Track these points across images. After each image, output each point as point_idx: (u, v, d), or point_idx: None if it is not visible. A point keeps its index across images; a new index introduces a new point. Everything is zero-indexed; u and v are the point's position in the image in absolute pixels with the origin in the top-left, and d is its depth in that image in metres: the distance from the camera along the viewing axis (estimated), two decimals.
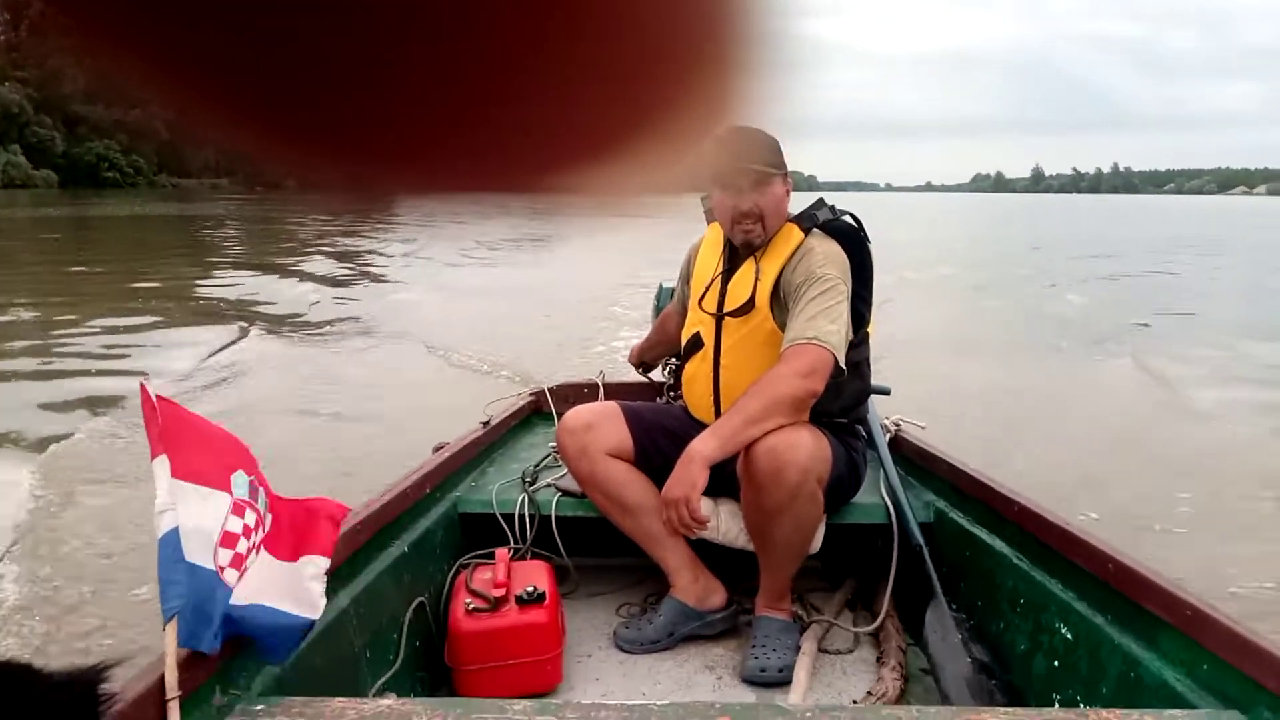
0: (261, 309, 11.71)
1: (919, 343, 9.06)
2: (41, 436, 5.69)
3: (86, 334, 9.66)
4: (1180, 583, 1.80)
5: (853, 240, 2.45)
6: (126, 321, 10.37)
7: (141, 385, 1.72)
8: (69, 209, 43.42)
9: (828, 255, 2.36)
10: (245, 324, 10.23)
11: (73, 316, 10.72)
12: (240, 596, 1.71)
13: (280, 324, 10.45)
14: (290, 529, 1.85)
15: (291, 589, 1.79)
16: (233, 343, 9.04)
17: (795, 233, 2.43)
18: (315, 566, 1.86)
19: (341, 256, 19.67)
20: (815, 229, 2.44)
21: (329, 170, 0.26)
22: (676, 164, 0.27)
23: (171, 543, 1.61)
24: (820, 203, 2.52)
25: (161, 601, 1.58)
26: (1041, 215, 71.31)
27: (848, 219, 2.48)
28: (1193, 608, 1.67)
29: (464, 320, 10.60)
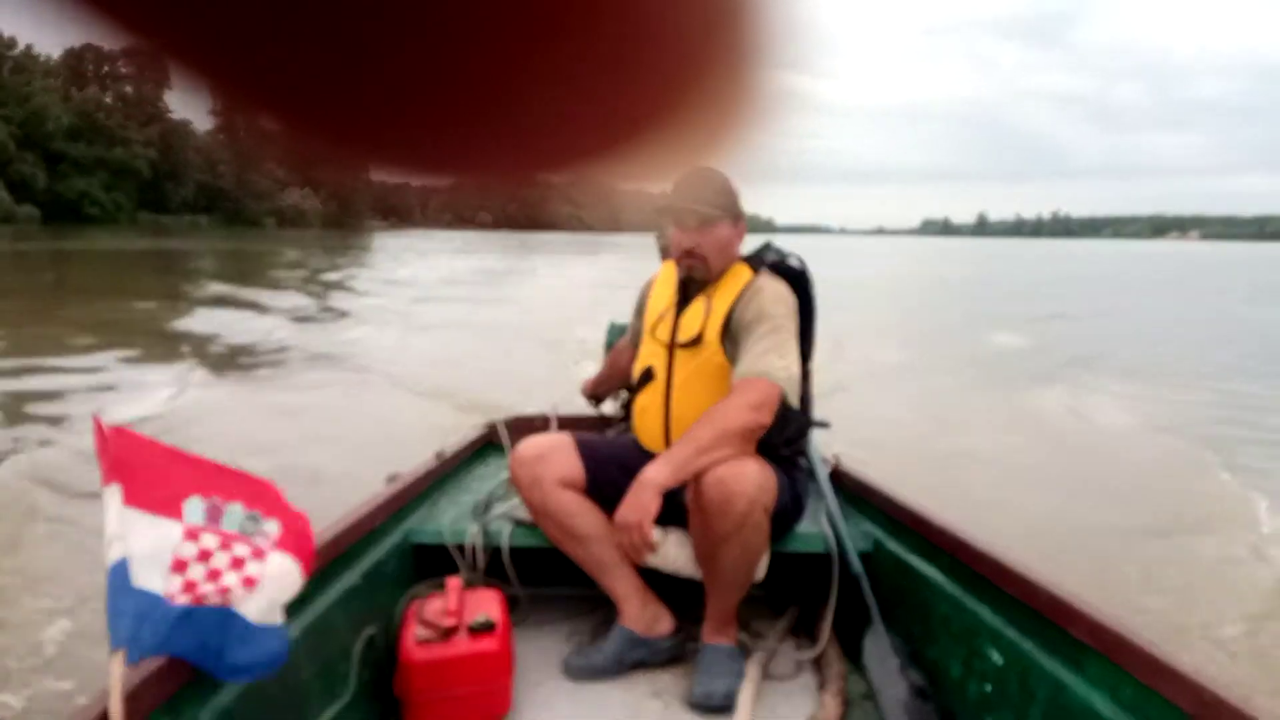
0: (225, 341, 11.57)
1: (864, 379, 9.17)
2: None
3: (58, 364, 9.50)
4: (1104, 610, 1.83)
5: (799, 281, 2.52)
6: (93, 353, 10.17)
7: (94, 417, 1.70)
8: (49, 243, 42.83)
9: (777, 295, 2.42)
10: (207, 356, 10.09)
11: (45, 346, 10.53)
12: (252, 614, 1.67)
13: (241, 357, 10.32)
14: (291, 532, 1.81)
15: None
16: (191, 373, 8.93)
17: (745, 272, 2.50)
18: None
19: (310, 291, 19.48)
20: (764, 269, 2.50)
21: (346, 157, 0.26)
22: (673, 167, 0.27)
23: (120, 573, 1.58)
24: (768, 245, 2.59)
25: (109, 631, 1.55)
26: (982, 258, 72.69)
27: (794, 261, 2.53)
28: (1116, 634, 1.70)
29: (421, 354, 10.54)
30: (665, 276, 2.68)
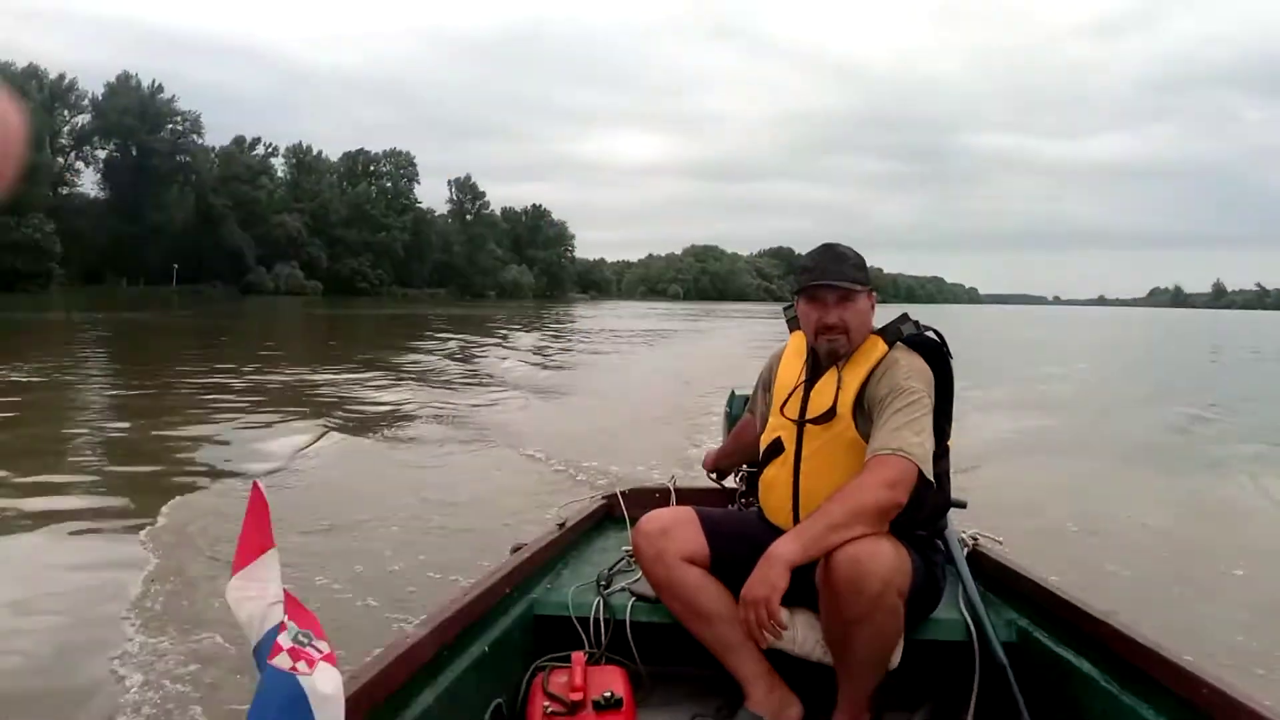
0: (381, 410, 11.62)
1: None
2: None
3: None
4: (1277, 708, 1.52)
5: (936, 354, 2.23)
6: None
7: (255, 483, 1.59)
8: (328, 310, 51.92)
9: (912, 368, 2.15)
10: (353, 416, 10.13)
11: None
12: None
13: (384, 420, 10.10)
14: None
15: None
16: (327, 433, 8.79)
17: (879, 345, 2.23)
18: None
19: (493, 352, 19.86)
20: (899, 342, 2.22)
21: None
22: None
23: (274, 637, 1.42)
24: (904, 317, 2.31)
25: (255, 697, 1.37)
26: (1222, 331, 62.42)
27: (931, 334, 2.25)
28: None
29: (556, 421, 10.15)
30: (794, 349, 2.40)
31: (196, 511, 5.47)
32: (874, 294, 2.25)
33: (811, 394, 2.24)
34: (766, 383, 2.48)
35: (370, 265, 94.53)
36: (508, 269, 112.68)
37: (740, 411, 2.77)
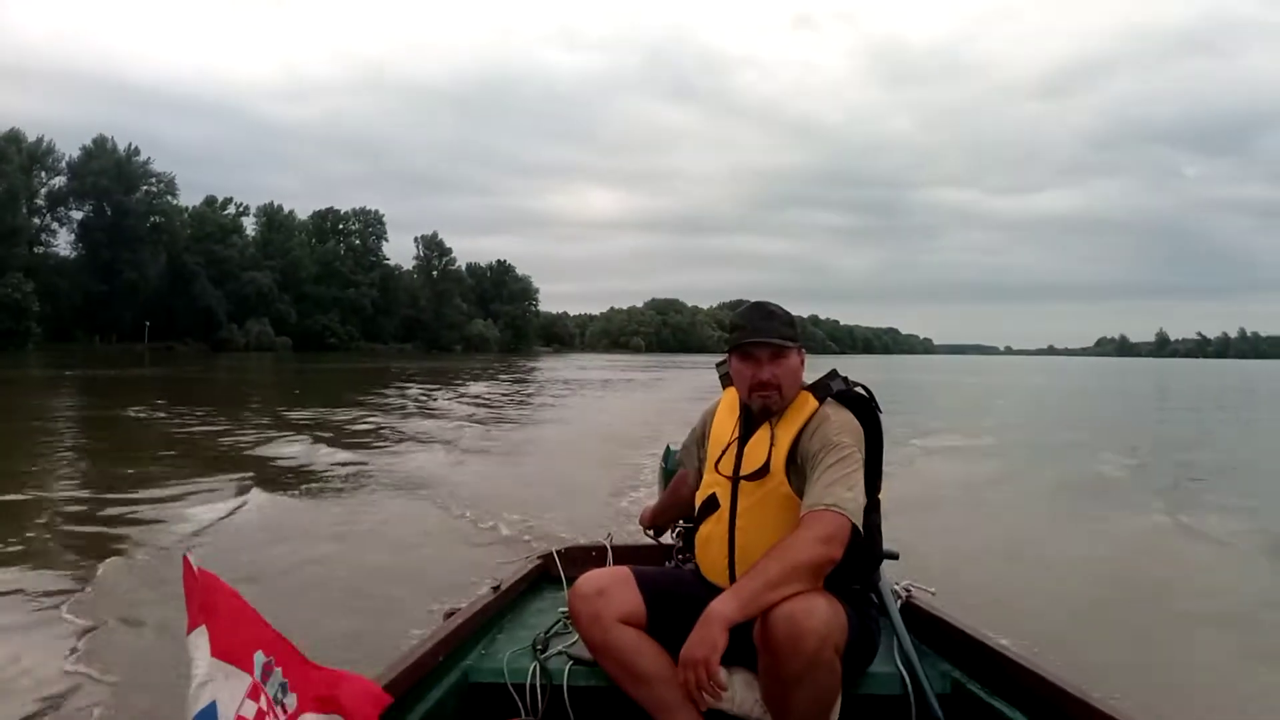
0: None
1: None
2: None
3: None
4: None
5: (865, 410, 2.18)
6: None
7: (185, 557, 1.52)
8: (297, 365, 51.03)
9: (843, 424, 2.11)
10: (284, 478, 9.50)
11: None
12: None
13: (306, 477, 9.55)
14: (326, 698, 1.53)
15: None
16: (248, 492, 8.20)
17: (810, 401, 2.18)
18: None
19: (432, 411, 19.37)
20: (830, 398, 2.18)
21: None
22: None
23: (210, 717, 1.34)
24: (834, 373, 2.27)
25: None
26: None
27: (860, 390, 2.21)
28: None
29: (493, 478, 9.69)
30: (727, 405, 2.35)
31: (114, 582, 5.15)
32: (803, 350, 2.21)
33: (745, 450, 2.19)
34: (700, 438, 2.43)
35: (339, 321, 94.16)
36: (473, 323, 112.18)
37: (676, 467, 2.70)
